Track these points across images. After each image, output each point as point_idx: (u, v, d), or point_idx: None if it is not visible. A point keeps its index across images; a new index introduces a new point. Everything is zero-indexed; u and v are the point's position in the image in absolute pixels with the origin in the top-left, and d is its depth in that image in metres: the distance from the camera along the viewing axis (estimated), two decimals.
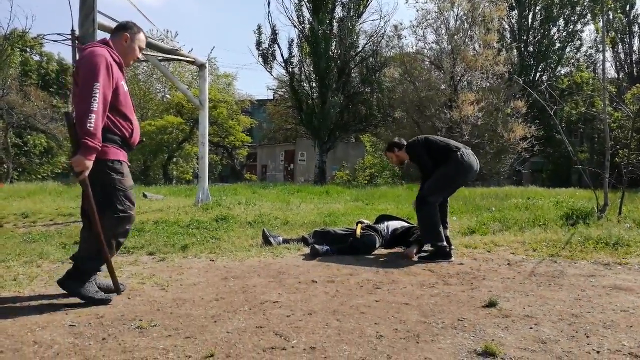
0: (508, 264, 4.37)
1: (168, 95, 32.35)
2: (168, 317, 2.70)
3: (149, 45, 9.05)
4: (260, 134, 39.59)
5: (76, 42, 8.87)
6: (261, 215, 7.62)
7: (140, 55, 3.34)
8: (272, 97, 37.88)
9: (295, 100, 24.96)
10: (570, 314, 2.86)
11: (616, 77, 31.98)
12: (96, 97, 2.73)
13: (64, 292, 2.99)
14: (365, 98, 25.61)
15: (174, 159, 29.16)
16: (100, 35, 8.03)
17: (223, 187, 16.09)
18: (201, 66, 9.79)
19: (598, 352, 2.29)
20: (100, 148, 2.78)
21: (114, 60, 2.97)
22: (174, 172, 29.45)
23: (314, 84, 25.17)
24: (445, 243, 4.58)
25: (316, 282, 3.59)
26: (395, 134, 26.19)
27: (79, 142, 2.70)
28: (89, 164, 2.75)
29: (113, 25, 8.40)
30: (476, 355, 2.21)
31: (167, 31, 31.63)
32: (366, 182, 25.85)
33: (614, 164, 8.88)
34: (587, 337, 2.48)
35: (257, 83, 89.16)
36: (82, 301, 2.92)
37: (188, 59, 9.69)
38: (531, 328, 2.59)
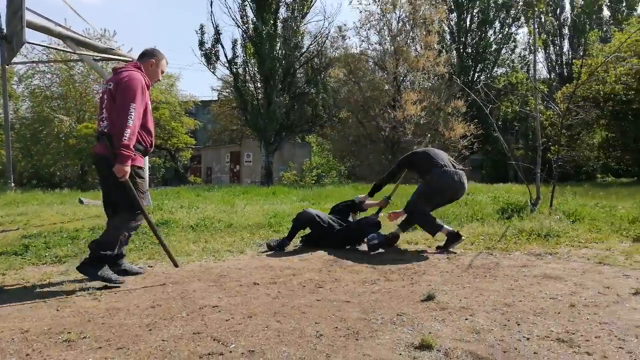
0: (447, 258, 4.49)
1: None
2: (99, 327, 2.58)
3: (83, 45, 8.69)
4: (204, 136, 38.83)
5: (3, 40, 8.35)
6: (204, 218, 7.45)
7: (160, 77, 3.95)
8: (216, 98, 37.25)
9: (240, 101, 24.64)
10: (504, 303, 2.96)
11: (548, 77, 33.73)
12: (132, 115, 3.34)
13: None
14: (310, 98, 25.64)
15: None
16: (30, 33, 7.62)
17: (165, 190, 15.65)
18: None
19: (528, 338, 2.38)
20: (133, 155, 3.41)
21: (146, 83, 3.57)
22: None
23: (259, 85, 24.96)
24: (449, 227, 5.00)
25: (258, 284, 3.54)
26: (340, 135, 26.48)
27: (117, 153, 3.32)
28: (128, 169, 3.38)
29: (44, 23, 8.02)
30: (413, 349, 2.25)
31: (105, 30, 30.45)
32: (313, 182, 25.96)
33: (546, 160, 9.35)
34: (518, 325, 2.58)
35: (201, 84, 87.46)
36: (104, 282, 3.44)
37: (125, 58, 9.35)
38: (466, 319, 2.67)
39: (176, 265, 3.92)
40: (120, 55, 9.12)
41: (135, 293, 3.31)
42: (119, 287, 3.47)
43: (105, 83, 3.71)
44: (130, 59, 9.41)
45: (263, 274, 3.89)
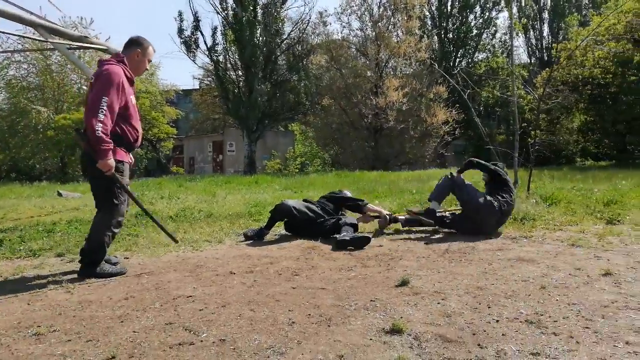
0: (425, 243, 4.53)
1: (85, 87, 30.57)
2: (70, 320, 2.55)
3: (56, 33, 8.48)
4: (186, 125, 38.43)
5: None
6: (184, 209, 7.40)
7: (147, 67, 3.80)
8: (198, 87, 36.80)
9: (222, 89, 24.40)
10: (476, 287, 3.00)
11: (528, 62, 33.95)
12: (103, 108, 3.22)
13: None
14: (292, 86, 25.48)
15: None
16: (4, 23, 7.41)
17: (147, 181, 15.51)
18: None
19: (497, 320, 2.42)
20: (111, 147, 3.28)
21: (127, 77, 3.49)
22: None
23: (240, 72, 24.73)
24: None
25: (234, 273, 3.53)
26: (323, 122, 26.43)
27: (95, 149, 3.23)
28: (111, 162, 3.30)
29: (13, 10, 7.81)
30: (384, 334, 2.26)
31: (82, 18, 29.70)
32: (297, 170, 25.92)
33: (526, 144, 9.45)
34: (489, 307, 2.62)
35: (182, 72, 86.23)
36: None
37: (100, 47, 9.16)
38: (439, 303, 2.70)
39: (175, 241, 4.14)
40: (95, 44, 8.93)
41: (109, 285, 3.28)
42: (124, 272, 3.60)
43: (91, 77, 3.53)
44: (106, 47, 9.23)
45: (240, 263, 3.88)
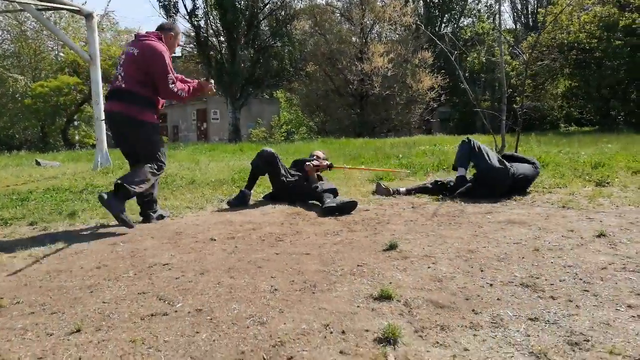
0: (412, 207, 4.40)
1: (62, 54, 29.52)
2: (36, 291, 2.37)
3: None
4: None
5: None
6: (166, 176, 7.17)
7: (175, 51, 4.47)
8: (180, 54, 35.81)
9: (203, 56, 23.77)
10: (467, 250, 2.88)
11: (514, 27, 33.63)
12: (171, 77, 3.87)
13: None
14: (276, 52, 24.88)
15: (75, 123, 27.02)
16: None
17: None
18: (88, 16, 8.82)
19: (491, 284, 2.30)
20: (191, 86, 4.06)
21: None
22: (76, 137, 27.33)
23: (222, 38, 24.06)
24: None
25: (215, 240, 3.36)
26: (308, 89, 26.00)
27: (194, 95, 4.15)
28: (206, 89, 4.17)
29: None
30: (372, 300, 2.13)
31: None
32: (283, 138, 25.62)
33: (511, 110, 9.31)
34: (482, 271, 2.49)
35: None
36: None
37: (72, 7, 8.71)
38: (429, 267, 2.57)
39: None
40: (65, 4, 8.46)
41: (82, 254, 3.09)
42: (133, 226, 3.74)
43: (128, 46, 3.96)
44: (78, 9, 8.78)
45: (221, 229, 3.71)
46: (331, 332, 1.82)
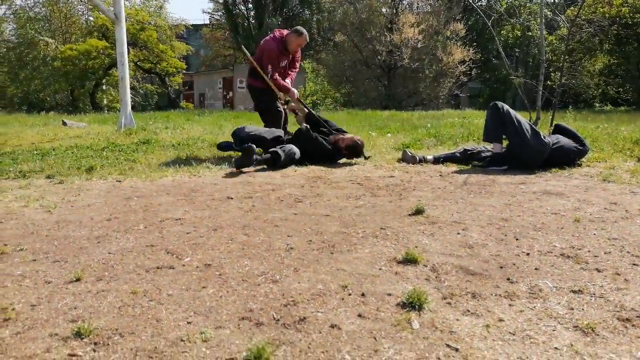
0: (440, 175, 4.17)
1: (91, 18, 29.53)
2: (41, 240, 2.26)
3: None
4: (197, 62, 37.41)
5: None
6: (188, 139, 7.06)
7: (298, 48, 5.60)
8: (208, 22, 35.51)
9: (231, 23, 23.49)
10: (500, 218, 2.66)
11: (552, 1, 32.15)
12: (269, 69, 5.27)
13: None
14: (304, 20, 24.40)
15: (103, 87, 27.16)
16: None
17: (154, 114, 15.12)
18: None
19: (528, 254, 2.09)
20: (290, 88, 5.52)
21: (278, 49, 5.29)
22: (104, 101, 27.52)
23: (250, 6, 23.69)
24: None
25: (232, 198, 3.21)
26: (336, 60, 25.49)
27: (280, 89, 5.47)
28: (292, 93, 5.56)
29: None
30: (396, 264, 1.95)
31: None
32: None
33: (545, 87, 8.84)
34: (517, 239, 2.29)
35: (192, 6, 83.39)
36: None
37: None
38: (458, 234, 2.37)
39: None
40: None
41: (94, 206, 2.99)
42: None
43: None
44: None
45: (240, 189, 3.57)
46: (349, 294, 1.66)
